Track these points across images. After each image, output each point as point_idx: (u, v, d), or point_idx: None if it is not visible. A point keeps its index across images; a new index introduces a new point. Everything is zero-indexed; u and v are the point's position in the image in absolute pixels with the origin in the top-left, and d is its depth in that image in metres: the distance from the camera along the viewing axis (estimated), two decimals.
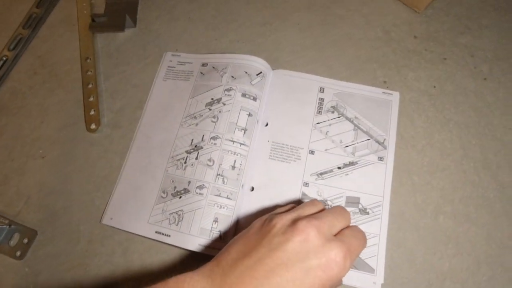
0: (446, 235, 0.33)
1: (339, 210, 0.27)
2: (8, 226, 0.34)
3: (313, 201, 0.28)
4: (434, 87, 0.39)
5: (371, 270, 0.31)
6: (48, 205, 0.36)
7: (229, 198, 0.33)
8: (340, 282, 0.25)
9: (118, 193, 0.35)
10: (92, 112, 0.39)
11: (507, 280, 0.31)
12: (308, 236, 0.23)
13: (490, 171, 0.35)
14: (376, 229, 0.33)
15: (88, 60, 0.41)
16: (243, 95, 0.37)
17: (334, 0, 0.44)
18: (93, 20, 0.42)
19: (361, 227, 0.32)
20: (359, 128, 0.37)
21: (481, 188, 0.35)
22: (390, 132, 0.36)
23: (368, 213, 0.33)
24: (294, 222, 0.24)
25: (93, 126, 0.38)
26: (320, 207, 0.27)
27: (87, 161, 0.37)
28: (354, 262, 0.30)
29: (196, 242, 0.32)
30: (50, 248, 0.34)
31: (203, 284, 0.23)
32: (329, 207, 0.34)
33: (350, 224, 0.27)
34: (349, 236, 0.25)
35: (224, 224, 0.33)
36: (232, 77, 0.38)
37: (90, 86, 0.40)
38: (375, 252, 0.32)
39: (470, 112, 0.38)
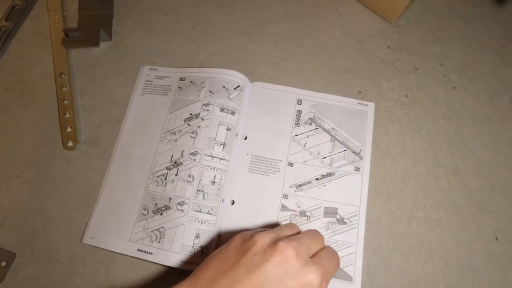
0: (419, 240, 0.35)
1: (315, 233, 0.28)
2: None
3: (291, 224, 0.29)
4: (407, 96, 0.40)
5: (349, 278, 0.33)
6: (26, 226, 0.35)
7: (210, 213, 0.34)
8: None
9: (99, 212, 0.35)
10: (68, 129, 0.38)
11: (476, 281, 0.33)
12: (287, 258, 0.24)
13: (459, 177, 0.37)
14: (353, 238, 0.34)
15: (63, 75, 0.40)
16: (221, 109, 0.37)
17: (311, 11, 0.44)
18: (66, 35, 0.41)
19: (339, 236, 0.34)
20: (336, 139, 0.38)
21: (451, 194, 0.36)
22: (366, 142, 0.38)
23: (345, 223, 0.35)
24: (275, 242, 0.25)
25: (70, 144, 0.38)
26: (296, 230, 0.28)
27: (65, 180, 0.37)
28: None
29: (178, 258, 0.32)
30: (30, 270, 0.34)
31: None
32: (308, 218, 0.35)
33: (325, 245, 0.28)
34: (325, 258, 0.26)
35: (205, 239, 0.33)
36: (210, 91, 0.38)
37: (65, 102, 0.39)
38: (353, 260, 0.33)
39: (440, 120, 0.39)
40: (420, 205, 0.36)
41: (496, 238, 0.35)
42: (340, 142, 0.37)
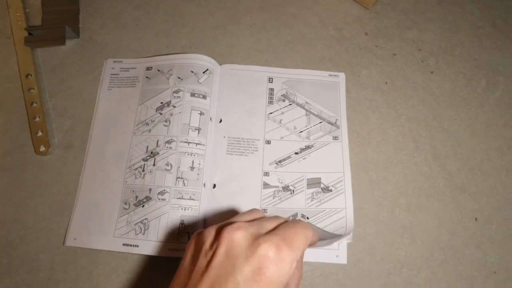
0: (402, 226, 0.35)
1: (275, 216, 0.25)
2: None
3: (251, 210, 0.26)
4: (386, 83, 0.40)
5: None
6: (1, 236, 0.34)
7: (192, 199, 0.34)
8: (291, 275, 0.21)
9: (79, 212, 0.34)
10: (39, 133, 0.36)
11: (458, 262, 0.34)
12: (233, 242, 0.21)
13: (439, 161, 0.37)
14: (341, 204, 0.35)
15: (29, 77, 0.38)
16: (192, 94, 0.37)
17: None
18: (29, 34, 0.39)
19: (326, 205, 0.35)
20: (310, 112, 0.38)
21: (431, 179, 0.37)
22: (340, 112, 0.38)
23: (331, 190, 0.35)
24: (219, 232, 0.22)
25: (42, 149, 0.36)
26: (257, 214, 0.25)
27: (39, 186, 0.35)
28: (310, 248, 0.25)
29: (165, 247, 0.32)
30: (8, 281, 0.33)
31: None
32: (292, 192, 0.35)
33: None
34: (282, 228, 0.22)
35: (191, 225, 0.33)
36: (179, 78, 0.38)
37: (34, 105, 0.37)
38: (344, 223, 0.34)
39: (419, 106, 0.39)
40: (402, 192, 0.36)
41: (476, 219, 0.35)
42: (315, 115, 0.38)
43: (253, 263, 0.20)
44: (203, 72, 0.38)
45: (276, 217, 0.24)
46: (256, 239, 0.21)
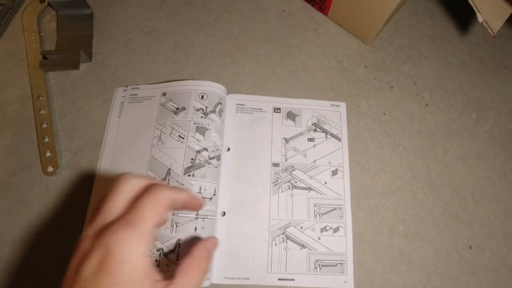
0: (400, 252, 0.36)
1: (116, 181, 0.23)
2: None
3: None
4: (384, 114, 0.42)
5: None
6: (2, 258, 0.34)
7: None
8: (144, 252, 0.20)
9: None
10: (48, 154, 0.37)
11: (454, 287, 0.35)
12: (80, 253, 0.20)
13: (434, 190, 0.39)
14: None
15: (41, 98, 0.39)
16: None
17: (291, 31, 0.46)
18: (44, 57, 0.40)
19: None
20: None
21: (427, 207, 0.38)
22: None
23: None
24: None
25: (50, 169, 0.36)
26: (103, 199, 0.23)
27: (45, 207, 0.36)
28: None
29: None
30: None
31: None
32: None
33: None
34: (133, 206, 0.21)
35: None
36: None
37: (44, 126, 0.38)
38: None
39: (416, 136, 0.42)
40: (400, 219, 0.38)
41: (470, 247, 0.37)
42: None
43: (92, 261, 0.19)
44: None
45: (117, 184, 0.22)
46: (100, 234, 0.20)
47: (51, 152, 0.37)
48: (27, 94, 0.39)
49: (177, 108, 0.38)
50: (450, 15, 0.49)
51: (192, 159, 0.36)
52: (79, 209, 0.35)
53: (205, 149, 0.36)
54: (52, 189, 0.36)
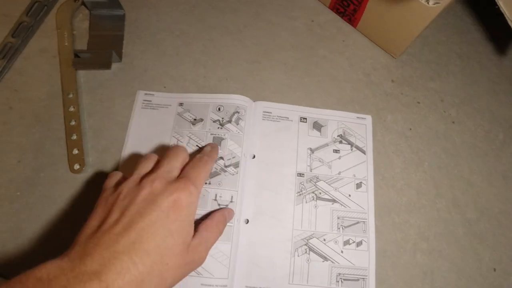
0: (423, 271, 0.36)
1: (174, 151, 0.31)
2: None
3: (147, 156, 0.32)
4: (410, 129, 0.42)
5: None
6: (26, 252, 0.34)
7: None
8: (196, 205, 0.29)
9: None
10: (75, 152, 0.37)
11: None
12: (151, 188, 0.27)
13: (459, 209, 0.39)
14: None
15: (71, 96, 0.39)
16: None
17: (319, 42, 0.46)
18: (76, 56, 0.40)
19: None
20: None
21: (452, 226, 0.38)
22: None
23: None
24: (139, 182, 0.28)
25: (77, 167, 0.37)
26: (154, 159, 0.31)
27: (70, 205, 0.36)
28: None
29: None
30: None
31: (58, 262, 0.23)
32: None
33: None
34: (188, 171, 0.30)
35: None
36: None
37: (73, 123, 0.38)
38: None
39: (441, 153, 0.41)
40: (423, 236, 0.37)
41: (494, 269, 0.36)
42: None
43: (170, 198, 0.26)
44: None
45: (175, 153, 0.31)
46: (170, 183, 0.28)
47: (78, 150, 0.37)
48: (57, 91, 0.40)
49: (194, 119, 0.39)
50: (479, 33, 0.49)
51: None
52: None
53: (221, 157, 0.37)
54: (77, 187, 0.36)
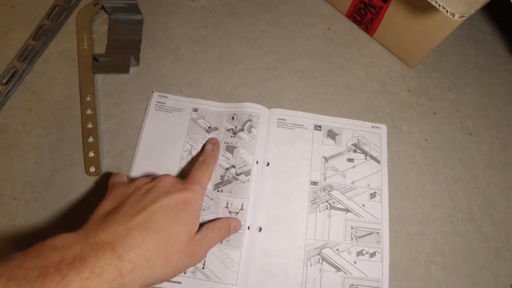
0: (438, 285, 0.35)
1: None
2: None
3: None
4: (426, 140, 0.42)
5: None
6: None
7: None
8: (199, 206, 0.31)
9: None
10: (91, 154, 0.37)
11: None
12: (164, 183, 0.30)
13: (475, 223, 0.38)
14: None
15: (88, 98, 0.39)
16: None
17: (335, 50, 0.46)
18: (95, 59, 0.41)
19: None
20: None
21: (467, 239, 0.37)
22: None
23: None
24: (150, 181, 0.31)
25: (92, 169, 0.37)
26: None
27: (85, 207, 0.36)
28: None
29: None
30: None
31: (72, 234, 0.25)
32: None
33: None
34: (193, 173, 0.33)
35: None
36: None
37: (89, 126, 0.38)
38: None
39: (457, 165, 0.41)
40: (438, 249, 0.37)
41: (511, 286, 0.36)
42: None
43: (179, 193, 0.29)
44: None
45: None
46: (179, 182, 0.31)
47: (94, 152, 0.38)
48: (75, 94, 0.40)
49: (209, 127, 0.39)
50: (496, 44, 0.48)
51: (221, 175, 0.37)
52: None
53: (233, 166, 0.37)
54: (92, 189, 0.37)
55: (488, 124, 0.43)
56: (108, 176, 0.37)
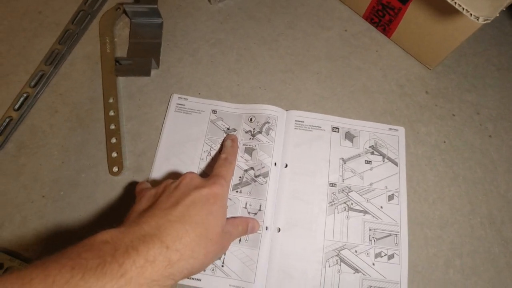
0: None
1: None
2: None
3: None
4: (444, 142, 0.41)
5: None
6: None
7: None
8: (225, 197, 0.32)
9: None
10: (114, 155, 0.39)
11: None
12: (192, 180, 0.31)
13: (495, 226, 0.38)
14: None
15: (111, 100, 0.41)
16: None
17: (353, 52, 0.46)
18: (117, 62, 0.42)
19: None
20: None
21: (487, 243, 0.37)
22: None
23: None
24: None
25: (115, 169, 0.38)
26: None
27: (109, 206, 0.37)
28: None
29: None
30: None
31: (116, 229, 0.26)
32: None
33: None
34: (217, 169, 0.34)
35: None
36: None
37: (112, 127, 0.40)
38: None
39: (476, 168, 0.40)
40: (456, 253, 0.37)
41: None
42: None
43: (207, 187, 0.30)
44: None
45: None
46: (206, 179, 0.32)
47: (117, 153, 0.39)
48: (98, 96, 0.42)
49: (228, 129, 0.40)
50: None
51: (240, 177, 0.38)
52: None
53: (252, 168, 0.38)
54: (116, 189, 0.38)
55: (509, 127, 0.43)
56: (130, 175, 0.39)
